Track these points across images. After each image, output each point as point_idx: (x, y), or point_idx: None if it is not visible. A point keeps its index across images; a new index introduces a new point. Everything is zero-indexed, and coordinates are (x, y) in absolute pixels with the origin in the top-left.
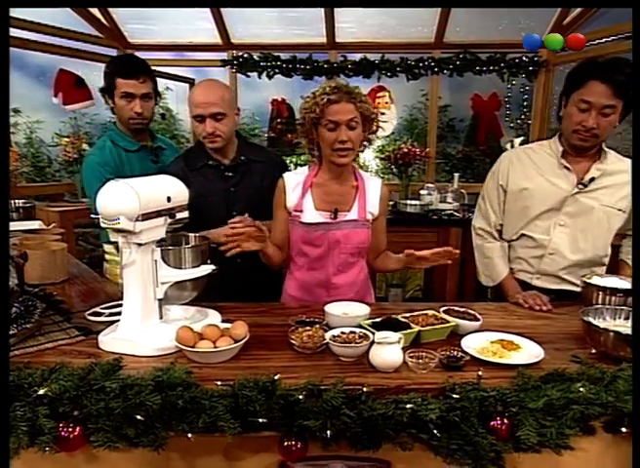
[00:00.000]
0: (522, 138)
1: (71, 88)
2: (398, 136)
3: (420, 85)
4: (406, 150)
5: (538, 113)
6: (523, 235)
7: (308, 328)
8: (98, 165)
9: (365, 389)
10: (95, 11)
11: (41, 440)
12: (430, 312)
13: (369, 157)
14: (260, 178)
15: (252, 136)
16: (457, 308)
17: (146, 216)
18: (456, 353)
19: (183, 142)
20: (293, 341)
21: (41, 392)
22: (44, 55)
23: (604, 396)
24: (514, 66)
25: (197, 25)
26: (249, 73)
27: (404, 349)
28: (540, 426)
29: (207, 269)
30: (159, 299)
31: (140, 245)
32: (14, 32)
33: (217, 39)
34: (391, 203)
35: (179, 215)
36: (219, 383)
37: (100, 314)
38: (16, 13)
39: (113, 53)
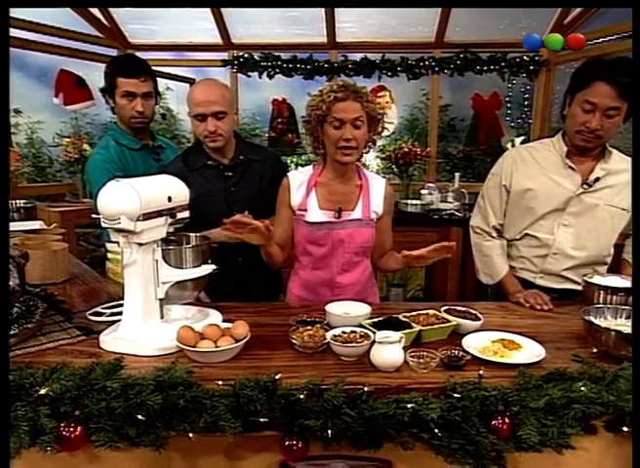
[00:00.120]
0: (523, 138)
1: (72, 88)
2: (399, 136)
3: (421, 84)
4: (407, 150)
5: (538, 112)
6: (527, 234)
7: (309, 327)
8: (104, 162)
9: (366, 389)
10: (95, 11)
11: (42, 439)
12: (431, 311)
13: (369, 157)
14: (260, 177)
15: (252, 137)
16: (458, 308)
17: (147, 216)
18: (457, 352)
19: (184, 142)
20: (294, 341)
21: (42, 392)
22: (45, 55)
23: (605, 395)
24: (515, 66)
25: (197, 25)
26: (249, 73)
27: (405, 349)
28: (541, 425)
29: (208, 269)
30: (160, 299)
31: (140, 244)
32: (14, 33)
33: (217, 39)
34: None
35: (179, 215)
36: (220, 383)
37: (101, 314)
38: (16, 13)
39: (114, 53)
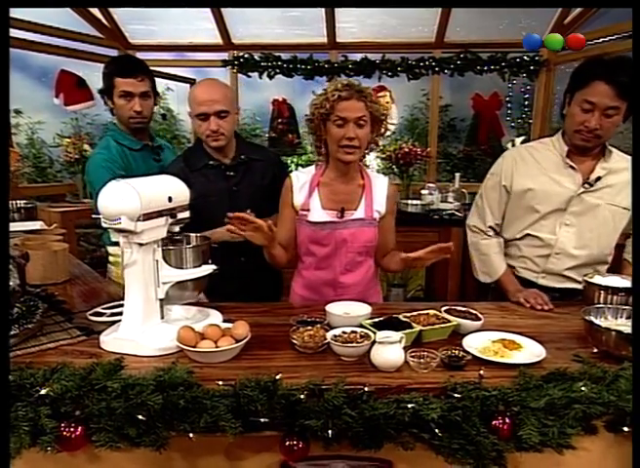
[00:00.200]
0: (523, 138)
1: (72, 88)
2: (399, 136)
3: (421, 85)
4: (407, 150)
5: (539, 112)
6: (528, 234)
7: (310, 327)
8: (106, 162)
9: (366, 389)
10: (95, 11)
11: (43, 440)
12: (432, 312)
13: (370, 157)
14: (261, 177)
15: (253, 137)
16: (458, 308)
17: (148, 216)
18: (457, 352)
19: (184, 143)
20: (294, 341)
21: (43, 392)
22: (45, 55)
23: (606, 395)
24: (515, 66)
25: (198, 26)
26: (250, 73)
27: (405, 349)
28: (541, 425)
29: (208, 269)
30: (160, 299)
31: (141, 245)
32: (15, 33)
33: (217, 39)
34: None
35: (180, 215)
36: (220, 383)
37: (101, 314)
38: (16, 13)
39: (114, 53)
